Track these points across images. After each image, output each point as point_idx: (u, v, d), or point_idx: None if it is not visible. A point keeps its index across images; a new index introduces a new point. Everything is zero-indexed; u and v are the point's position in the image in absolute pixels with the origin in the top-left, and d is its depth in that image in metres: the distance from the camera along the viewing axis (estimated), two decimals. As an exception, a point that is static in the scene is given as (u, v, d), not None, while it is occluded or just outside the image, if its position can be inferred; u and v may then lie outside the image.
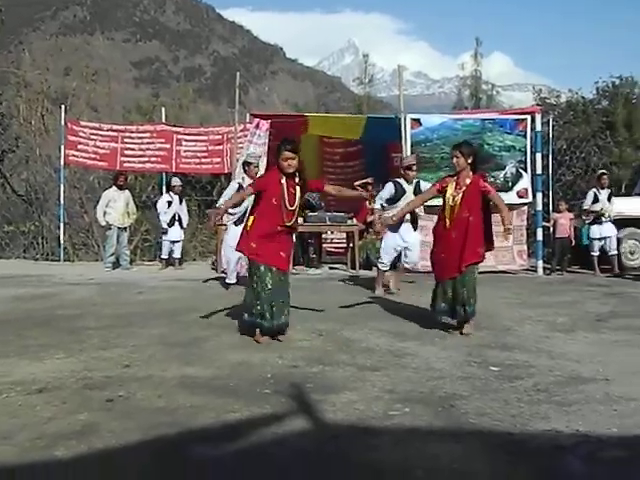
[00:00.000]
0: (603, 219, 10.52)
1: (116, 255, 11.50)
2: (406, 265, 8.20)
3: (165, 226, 11.47)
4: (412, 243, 7.93)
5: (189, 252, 14.30)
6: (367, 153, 12.87)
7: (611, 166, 14.41)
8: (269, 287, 5.03)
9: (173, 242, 11.56)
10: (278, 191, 5.02)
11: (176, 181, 11.60)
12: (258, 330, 5.13)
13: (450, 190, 5.58)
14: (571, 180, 15.44)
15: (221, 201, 8.12)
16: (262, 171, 9.01)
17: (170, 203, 11.49)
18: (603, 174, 10.90)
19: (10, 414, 3.32)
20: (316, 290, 8.41)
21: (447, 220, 5.58)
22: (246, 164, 8.38)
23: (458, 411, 3.42)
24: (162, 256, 11.71)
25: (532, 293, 8.22)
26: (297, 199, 5.10)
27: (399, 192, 7.89)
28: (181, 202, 11.73)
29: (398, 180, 8.03)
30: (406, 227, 7.83)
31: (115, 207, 11.38)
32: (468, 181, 5.53)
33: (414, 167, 8.05)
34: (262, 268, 5.03)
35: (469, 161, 5.56)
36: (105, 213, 11.36)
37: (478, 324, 5.79)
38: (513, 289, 8.54)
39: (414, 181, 7.98)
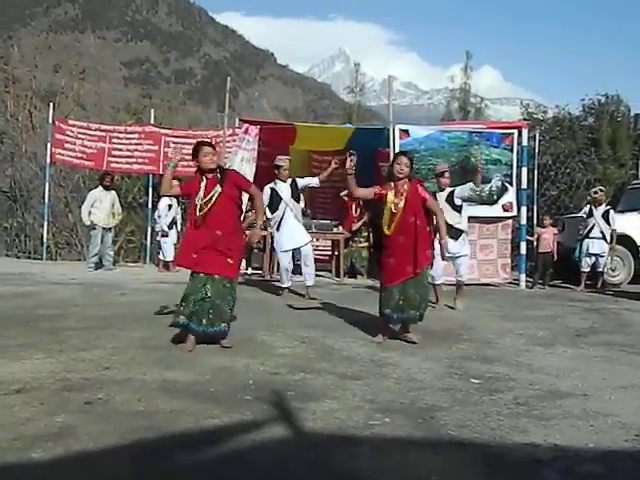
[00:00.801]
0: (596, 236, 10.53)
1: (99, 255, 11.42)
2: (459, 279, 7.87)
3: (165, 229, 11.48)
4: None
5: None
6: (356, 162, 12.88)
7: (595, 183, 14.54)
8: (208, 295, 4.99)
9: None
10: (197, 192, 5.07)
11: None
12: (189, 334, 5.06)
13: (391, 197, 5.61)
14: (555, 195, 15.60)
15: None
16: (250, 177, 9.03)
17: (170, 207, 11.52)
18: (596, 192, 10.94)
19: (-13, 414, 3.29)
20: (298, 297, 8.40)
21: (386, 226, 5.62)
22: (276, 167, 8.41)
23: (438, 422, 3.44)
24: (167, 259, 11.59)
25: (514, 306, 8.27)
26: (216, 194, 5.03)
27: None
28: (179, 205, 11.76)
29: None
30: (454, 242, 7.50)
31: (100, 207, 11.33)
32: (406, 187, 5.61)
33: (446, 174, 7.78)
34: (202, 276, 5.01)
35: (410, 171, 5.69)
36: (90, 213, 11.30)
37: (459, 336, 5.83)
38: (495, 302, 8.59)
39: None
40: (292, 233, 8.34)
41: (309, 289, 8.46)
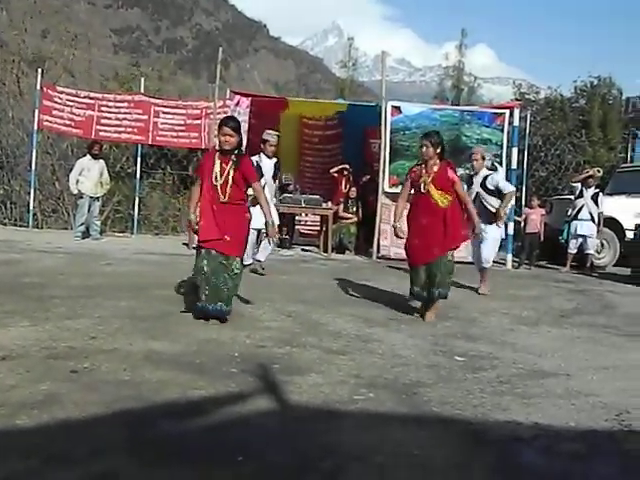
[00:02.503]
0: (584, 217, 10.55)
1: (86, 225, 11.34)
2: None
3: None
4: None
5: (160, 226, 14.20)
6: (346, 137, 12.85)
7: (584, 165, 14.59)
8: (205, 270, 4.98)
9: None
10: (212, 168, 5.02)
11: None
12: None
13: (423, 177, 5.67)
14: (544, 176, 15.64)
15: None
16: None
17: None
18: (599, 170, 10.97)
19: (-29, 380, 3.28)
20: (285, 271, 8.42)
21: (420, 207, 5.71)
22: (263, 141, 8.07)
23: (422, 398, 3.47)
24: None
25: (500, 286, 8.32)
26: (228, 175, 4.99)
27: None
28: None
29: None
30: None
31: (88, 176, 11.19)
32: (435, 169, 5.66)
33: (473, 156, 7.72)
34: (202, 251, 5.00)
35: (437, 151, 5.68)
36: (78, 182, 11.18)
37: (445, 314, 5.87)
38: (482, 281, 8.64)
39: None
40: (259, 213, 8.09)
41: (259, 263, 8.05)
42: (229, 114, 10.73)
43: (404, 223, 5.89)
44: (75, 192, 11.36)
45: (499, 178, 7.67)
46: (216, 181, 4.97)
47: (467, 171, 7.85)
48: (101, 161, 11.61)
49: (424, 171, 5.69)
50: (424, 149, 5.69)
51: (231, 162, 5.01)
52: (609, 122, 16.91)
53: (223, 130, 4.99)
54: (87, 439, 2.68)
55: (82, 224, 11.28)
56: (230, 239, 5.00)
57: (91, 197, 11.23)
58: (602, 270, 10.90)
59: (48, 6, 23.87)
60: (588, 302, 7.47)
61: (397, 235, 5.94)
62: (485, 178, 7.50)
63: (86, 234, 11.33)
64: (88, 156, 11.40)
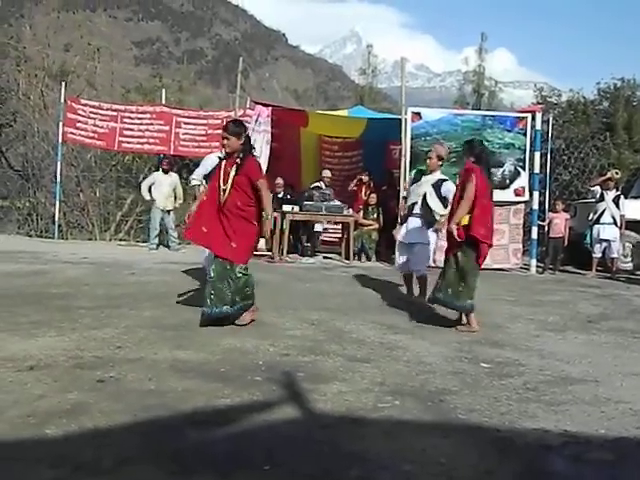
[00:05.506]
0: (606, 221, 10.43)
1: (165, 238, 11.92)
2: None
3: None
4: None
5: (182, 235, 14.29)
6: (366, 144, 12.85)
7: (609, 167, 14.41)
8: (211, 275, 5.05)
9: None
10: (217, 172, 5.12)
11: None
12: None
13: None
14: (568, 180, 15.48)
15: None
16: (263, 159, 8.96)
17: None
18: (617, 172, 10.84)
19: (1, 390, 3.32)
20: (308, 279, 8.42)
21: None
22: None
23: (447, 406, 3.44)
24: None
25: (524, 291, 8.25)
26: (230, 178, 5.03)
27: (416, 179, 7.14)
28: None
29: (422, 168, 7.41)
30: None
31: (159, 190, 11.64)
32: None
33: (430, 154, 7.00)
34: (211, 255, 5.09)
35: (471, 160, 5.67)
36: (151, 192, 11.68)
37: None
38: (506, 287, 8.57)
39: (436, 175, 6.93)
40: None
41: None
42: (252, 125, 10.80)
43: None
44: (147, 198, 11.87)
45: (452, 189, 6.56)
46: (220, 185, 5.04)
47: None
48: (174, 175, 12.00)
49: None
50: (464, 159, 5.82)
51: (235, 165, 5.05)
52: (634, 124, 16.71)
53: (222, 134, 5.11)
54: (114, 448, 2.70)
55: (156, 236, 11.74)
56: (236, 246, 5.03)
57: (162, 210, 11.64)
58: (629, 274, 10.74)
59: (70, 20, 24.26)
60: (615, 307, 7.36)
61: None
62: (442, 182, 6.85)
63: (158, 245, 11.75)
64: (160, 170, 11.82)
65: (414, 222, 6.89)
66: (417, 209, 6.86)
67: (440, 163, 6.94)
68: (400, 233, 7.16)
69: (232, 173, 5.04)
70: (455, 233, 5.52)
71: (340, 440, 2.91)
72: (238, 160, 5.07)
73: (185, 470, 2.53)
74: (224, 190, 5.03)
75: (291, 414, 3.23)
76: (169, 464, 2.58)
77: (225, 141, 5.08)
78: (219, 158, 7.40)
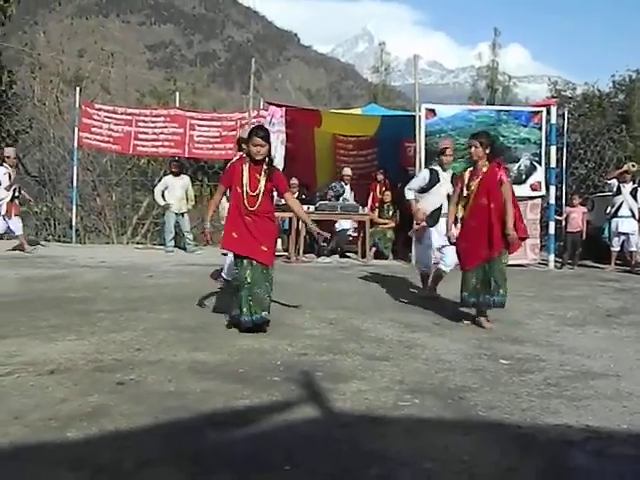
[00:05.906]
0: (624, 214, 10.32)
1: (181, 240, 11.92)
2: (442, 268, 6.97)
3: None
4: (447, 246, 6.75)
5: (197, 237, 14.36)
6: (381, 142, 12.81)
7: (625, 160, 14.25)
8: (248, 281, 4.96)
9: None
10: (240, 178, 5.03)
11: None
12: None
13: (466, 180, 5.62)
14: (585, 174, 15.32)
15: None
16: (279, 159, 8.95)
17: None
18: (634, 165, 10.72)
19: (22, 394, 3.36)
20: (324, 278, 8.41)
21: (462, 210, 5.64)
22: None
23: (468, 403, 3.42)
24: None
25: (543, 287, 8.18)
26: (261, 185, 5.01)
27: (433, 180, 6.94)
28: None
29: (434, 167, 7.12)
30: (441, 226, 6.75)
31: (172, 193, 11.65)
32: (485, 169, 5.57)
33: (447, 151, 6.96)
34: (244, 262, 4.99)
35: (487, 151, 5.58)
36: (164, 196, 11.68)
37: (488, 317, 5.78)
38: (524, 282, 8.48)
39: (450, 172, 6.91)
40: None
41: None
42: (263, 124, 10.81)
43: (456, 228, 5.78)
44: (162, 203, 11.87)
45: None
46: (248, 191, 4.99)
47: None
48: (185, 178, 12.00)
49: (471, 174, 5.62)
50: (473, 149, 5.61)
51: (263, 172, 5.03)
52: (650, 116, 16.52)
53: (254, 140, 4.99)
54: (135, 450, 2.71)
55: (172, 239, 11.77)
56: (267, 249, 5.02)
57: (176, 213, 11.67)
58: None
59: (84, 26, 24.44)
60: (635, 301, 7.27)
61: (451, 242, 5.85)
62: (454, 175, 6.70)
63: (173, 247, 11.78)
64: (171, 174, 11.87)
65: (445, 224, 6.42)
66: (445, 209, 6.63)
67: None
68: (433, 237, 6.94)
69: (262, 180, 5.02)
70: (515, 237, 5.45)
71: (360, 439, 2.91)
72: (266, 167, 5.05)
73: (205, 471, 2.54)
74: (254, 196, 5.00)
75: (310, 414, 3.23)
76: (189, 466, 2.59)
77: (259, 148, 4.98)
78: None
